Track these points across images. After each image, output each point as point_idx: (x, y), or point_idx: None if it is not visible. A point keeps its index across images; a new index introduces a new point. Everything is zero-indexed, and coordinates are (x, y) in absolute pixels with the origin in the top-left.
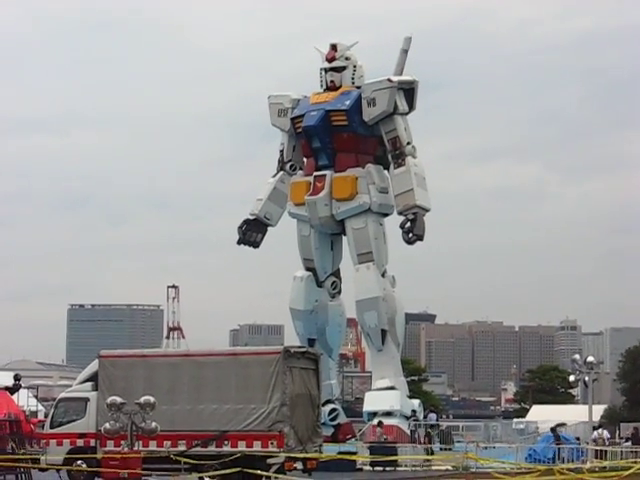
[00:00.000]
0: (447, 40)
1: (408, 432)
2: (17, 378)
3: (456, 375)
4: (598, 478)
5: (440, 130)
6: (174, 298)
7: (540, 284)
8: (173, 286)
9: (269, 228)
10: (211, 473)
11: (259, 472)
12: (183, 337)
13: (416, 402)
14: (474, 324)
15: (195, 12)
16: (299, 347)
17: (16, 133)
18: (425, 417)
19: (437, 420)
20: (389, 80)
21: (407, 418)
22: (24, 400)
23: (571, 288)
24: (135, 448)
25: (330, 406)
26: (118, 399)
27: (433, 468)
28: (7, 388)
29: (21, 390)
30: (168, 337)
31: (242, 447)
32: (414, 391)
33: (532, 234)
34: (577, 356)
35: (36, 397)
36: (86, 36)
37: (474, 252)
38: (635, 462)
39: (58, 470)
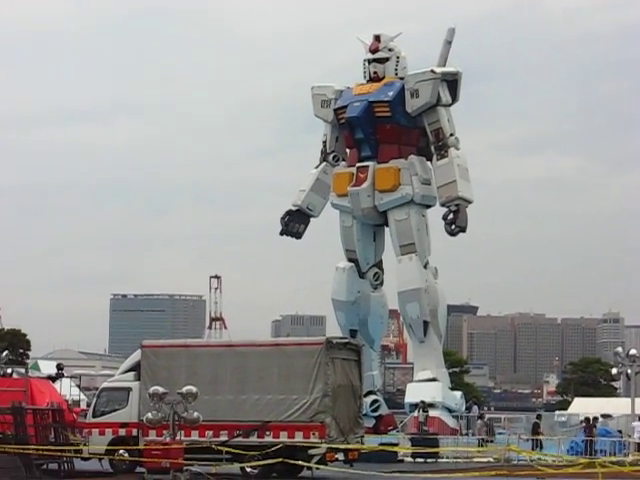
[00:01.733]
0: (494, 30)
1: (450, 423)
2: (60, 367)
3: (498, 367)
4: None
5: (485, 121)
6: (216, 288)
7: (583, 276)
8: (216, 276)
9: (312, 219)
10: (253, 463)
11: (300, 463)
12: (225, 327)
13: (458, 394)
14: (516, 316)
15: (241, 0)
16: (341, 338)
17: (63, 123)
18: (468, 409)
19: (479, 412)
20: (432, 71)
21: (449, 410)
22: (67, 389)
23: (614, 280)
24: (177, 438)
25: (372, 397)
26: (160, 389)
27: (475, 460)
28: (50, 377)
29: (64, 379)
30: (210, 327)
31: (284, 438)
32: (456, 383)
33: (576, 225)
34: (620, 349)
35: (79, 386)
36: (132, 26)
37: (517, 243)
38: None
39: (100, 459)
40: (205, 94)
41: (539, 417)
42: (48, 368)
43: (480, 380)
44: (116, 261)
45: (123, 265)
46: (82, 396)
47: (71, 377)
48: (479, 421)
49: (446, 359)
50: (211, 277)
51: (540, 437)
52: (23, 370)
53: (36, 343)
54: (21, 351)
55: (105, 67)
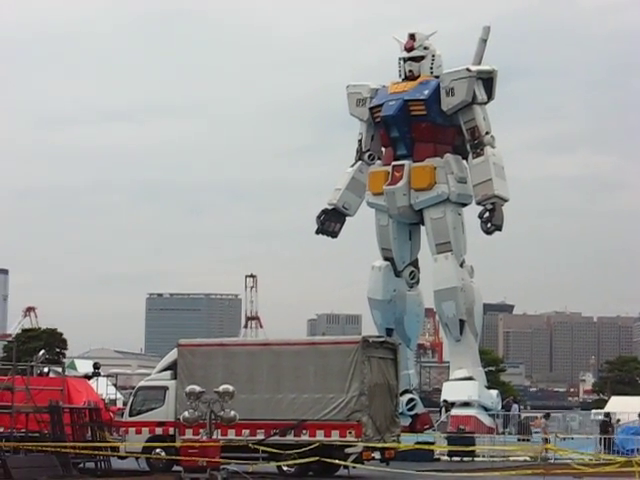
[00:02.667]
0: (527, 26)
1: (486, 422)
2: (96, 366)
3: (534, 366)
4: None
5: (519, 118)
6: (252, 287)
7: (619, 274)
8: (251, 275)
9: (347, 218)
10: (289, 462)
11: (337, 461)
12: (261, 326)
13: (494, 392)
14: (552, 314)
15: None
16: (377, 337)
17: (97, 124)
18: (506, 407)
19: (519, 410)
20: (468, 70)
21: (486, 409)
22: (103, 388)
23: None
24: (214, 437)
25: (408, 396)
26: (197, 388)
27: (511, 459)
28: (86, 376)
29: (100, 379)
30: (246, 326)
31: (320, 436)
32: (491, 381)
33: (612, 223)
34: None
35: (115, 385)
36: (165, 27)
37: (553, 242)
38: None
39: (137, 458)
40: (239, 94)
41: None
42: (85, 367)
43: (516, 379)
44: (152, 261)
45: (159, 264)
46: (118, 395)
47: (107, 376)
48: (543, 420)
49: (482, 358)
50: (247, 276)
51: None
52: (60, 369)
53: (73, 342)
54: (58, 350)
55: (138, 67)
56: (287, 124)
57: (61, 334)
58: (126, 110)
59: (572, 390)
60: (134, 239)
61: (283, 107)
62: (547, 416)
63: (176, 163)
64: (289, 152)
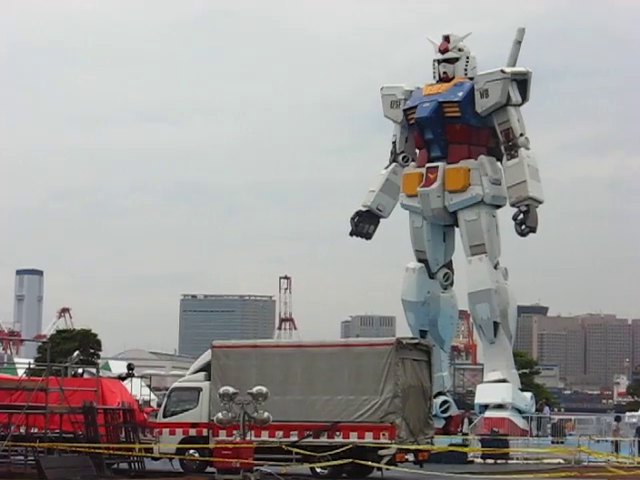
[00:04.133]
0: (562, 27)
1: (520, 424)
2: (130, 367)
3: (568, 368)
4: None
5: (555, 120)
6: (286, 289)
7: None
8: (285, 277)
9: (381, 220)
10: (323, 464)
11: (370, 463)
12: (295, 328)
13: (528, 395)
14: (586, 317)
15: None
16: (411, 338)
17: (134, 124)
18: (538, 410)
19: (550, 413)
20: (502, 71)
21: (520, 411)
22: (137, 389)
23: None
24: (247, 438)
25: (442, 398)
26: (231, 389)
27: (545, 461)
28: (120, 377)
29: (134, 379)
30: (280, 328)
31: (354, 438)
32: (525, 384)
33: None
34: None
35: (149, 386)
36: (203, 28)
37: (588, 243)
38: None
39: (171, 459)
40: (274, 95)
41: (618, 419)
42: (119, 368)
43: (550, 381)
44: (186, 262)
45: (193, 266)
46: (152, 396)
47: (141, 377)
48: (614, 423)
49: (516, 360)
50: (281, 278)
51: (616, 438)
52: (94, 370)
53: (107, 343)
54: (92, 351)
55: (177, 68)
56: (322, 125)
57: (95, 335)
58: (161, 111)
59: (606, 393)
60: (168, 241)
61: (318, 108)
62: (618, 419)
63: (211, 164)
64: (324, 153)
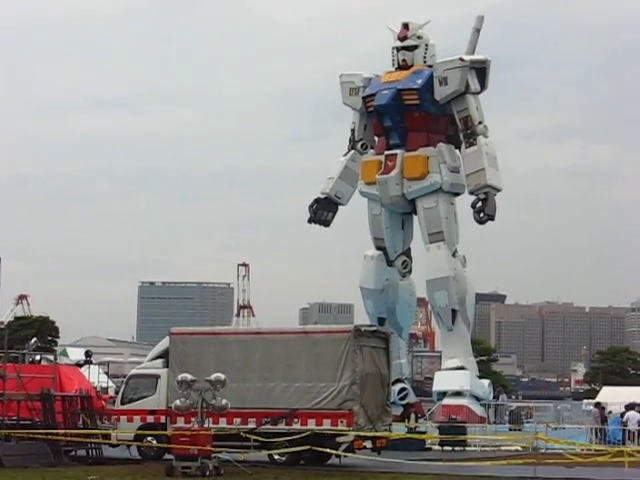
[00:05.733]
0: (523, 16)
1: (478, 412)
2: (88, 354)
3: (526, 356)
4: None
5: (515, 108)
6: (245, 276)
7: (611, 265)
8: (244, 264)
9: (340, 207)
10: (281, 450)
11: (328, 450)
12: (253, 315)
13: (486, 382)
14: (544, 305)
15: None
16: (369, 326)
17: (95, 111)
18: (496, 397)
19: (507, 400)
20: (461, 59)
21: (477, 399)
22: (95, 376)
23: None
24: (205, 425)
25: (400, 385)
26: (189, 376)
27: (503, 448)
28: (78, 364)
29: (92, 366)
30: (238, 315)
31: (312, 425)
32: (483, 371)
33: (605, 213)
34: None
35: (107, 373)
36: (163, 13)
37: (546, 231)
38: None
39: (128, 446)
40: (236, 82)
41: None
42: (77, 355)
43: (508, 369)
44: (146, 248)
45: (152, 252)
46: (110, 383)
47: (99, 364)
48: (595, 410)
49: (474, 347)
50: (239, 265)
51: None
52: (52, 357)
53: (65, 330)
54: (50, 338)
55: (135, 55)
56: (285, 112)
57: (53, 322)
58: (123, 98)
59: (564, 380)
60: (128, 227)
61: (281, 95)
62: (598, 405)
63: (173, 151)
64: (286, 140)
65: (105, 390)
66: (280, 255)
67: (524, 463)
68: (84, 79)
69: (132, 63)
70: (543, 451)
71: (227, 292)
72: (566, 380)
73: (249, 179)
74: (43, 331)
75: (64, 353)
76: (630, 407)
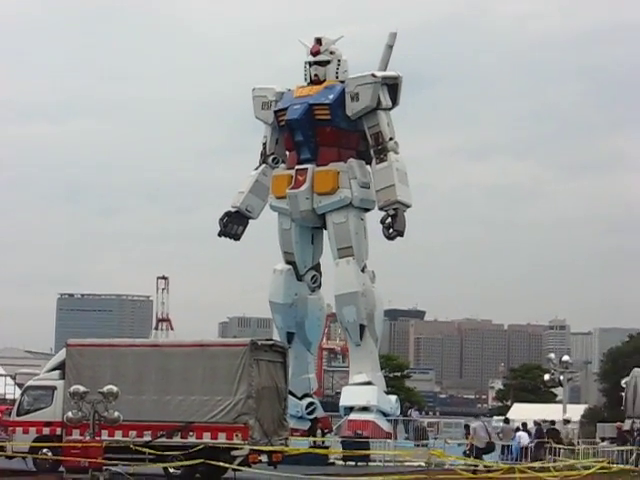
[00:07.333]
0: (444, 35)
1: (384, 427)
2: None
3: (444, 372)
4: (555, 477)
5: (437, 126)
6: (164, 289)
7: (530, 282)
8: (163, 277)
9: (251, 221)
10: (175, 464)
11: (223, 464)
12: (172, 328)
13: (393, 398)
14: (463, 321)
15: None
16: (266, 340)
17: (16, 120)
18: (405, 413)
19: (419, 416)
20: (373, 75)
21: (385, 414)
22: (2, 387)
23: (561, 287)
24: (100, 437)
25: (308, 400)
26: (81, 388)
27: (405, 464)
28: None
29: (4, 378)
30: (157, 328)
31: (207, 439)
32: (396, 387)
33: (525, 232)
34: (552, 355)
35: (19, 385)
36: (87, 23)
37: (467, 249)
38: (598, 462)
39: (24, 458)
40: (155, 94)
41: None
42: None
43: (426, 385)
44: (65, 261)
45: (72, 265)
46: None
47: (6, 376)
48: (504, 425)
49: (387, 363)
50: (158, 278)
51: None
52: None
53: None
54: None
55: (59, 64)
56: (203, 126)
57: None
58: (45, 106)
59: (483, 397)
60: (47, 239)
61: (200, 107)
62: (507, 421)
63: (90, 164)
64: (205, 154)
65: (4, 401)
66: (200, 269)
67: (415, 478)
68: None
69: (54, 71)
70: (447, 467)
71: (146, 305)
72: (484, 397)
73: (168, 192)
74: None
75: None
76: (523, 426)
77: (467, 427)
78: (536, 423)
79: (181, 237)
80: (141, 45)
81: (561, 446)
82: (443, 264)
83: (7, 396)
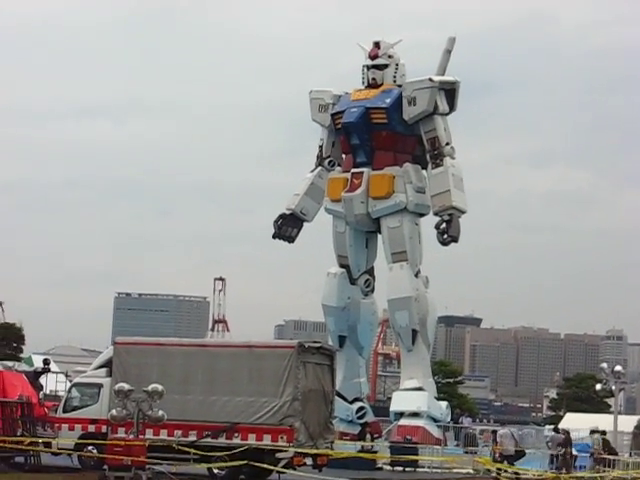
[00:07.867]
0: (508, 42)
1: (434, 433)
2: (46, 362)
3: (499, 380)
4: None
5: (497, 133)
6: (220, 290)
7: (588, 292)
8: (220, 278)
9: (306, 224)
10: (220, 464)
11: (267, 466)
12: (228, 330)
13: (443, 404)
14: (520, 329)
15: (256, 3)
16: (314, 342)
17: (75, 120)
18: (456, 420)
19: (470, 423)
20: (430, 80)
21: (435, 420)
22: (53, 384)
23: (619, 297)
24: (144, 436)
25: (358, 404)
26: (126, 386)
27: (454, 471)
28: (36, 371)
29: (53, 375)
30: (213, 329)
31: (252, 440)
32: (449, 393)
33: (582, 240)
34: (605, 364)
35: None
36: (150, 25)
37: (525, 256)
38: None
39: (69, 454)
40: (218, 97)
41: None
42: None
43: (481, 392)
44: (122, 260)
45: (128, 264)
46: None
47: (60, 373)
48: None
49: (441, 369)
50: (215, 279)
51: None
52: (10, 364)
53: (38, 340)
54: (15, 345)
55: (120, 65)
56: (263, 128)
57: (19, 329)
58: (108, 106)
59: (537, 406)
60: (104, 237)
61: (261, 111)
62: (556, 430)
63: (150, 163)
64: (264, 156)
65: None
66: (257, 271)
67: None
68: (65, 87)
69: (114, 73)
70: (494, 475)
71: (203, 306)
72: (538, 406)
73: (227, 193)
74: (8, 338)
75: (29, 361)
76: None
77: (495, 433)
78: (562, 431)
79: (239, 239)
80: (206, 49)
81: (607, 456)
82: (500, 271)
83: (59, 393)
